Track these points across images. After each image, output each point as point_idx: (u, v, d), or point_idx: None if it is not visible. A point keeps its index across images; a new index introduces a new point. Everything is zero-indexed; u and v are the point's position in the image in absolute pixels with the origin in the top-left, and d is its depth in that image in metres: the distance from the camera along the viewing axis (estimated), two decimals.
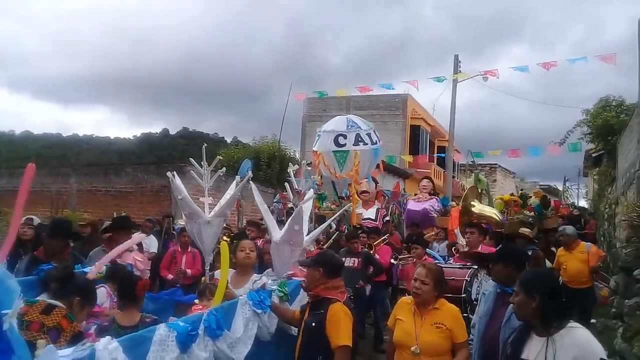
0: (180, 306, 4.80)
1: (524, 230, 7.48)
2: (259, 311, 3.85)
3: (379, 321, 8.47)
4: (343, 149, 9.03)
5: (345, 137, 9.14)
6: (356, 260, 7.60)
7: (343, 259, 7.38)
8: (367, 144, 9.05)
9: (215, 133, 62.65)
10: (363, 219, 10.04)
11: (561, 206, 10.44)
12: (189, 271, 7.81)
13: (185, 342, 3.07)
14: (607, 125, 13.01)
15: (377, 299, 8.35)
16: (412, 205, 10.34)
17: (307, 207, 4.96)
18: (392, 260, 8.10)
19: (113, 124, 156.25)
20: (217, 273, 4.79)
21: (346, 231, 8.76)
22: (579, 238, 8.69)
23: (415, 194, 11.30)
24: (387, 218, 10.79)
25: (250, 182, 5.39)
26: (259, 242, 6.58)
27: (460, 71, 20.09)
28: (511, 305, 3.06)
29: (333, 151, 9.10)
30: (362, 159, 8.85)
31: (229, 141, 43.00)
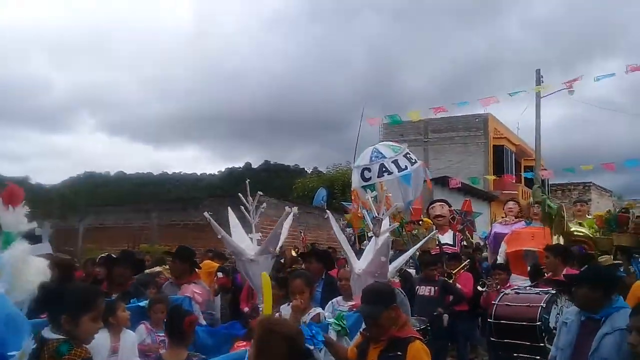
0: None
1: (604, 258, 6.68)
2: (312, 347, 3.52)
3: (463, 353, 8.11)
4: (369, 182, 8.69)
5: (369, 170, 8.84)
6: (432, 288, 7.21)
7: (417, 287, 7.09)
8: (392, 173, 8.62)
9: (296, 164, 63.66)
10: (444, 244, 9.55)
11: None
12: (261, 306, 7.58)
13: None
14: None
15: (460, 330, 7.86)
16: (499, 228, 9.77)
17: (388, 236, 4.71)
18: (479, 287, 7.57)
19: (201, 160, 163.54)
20: (282, 308, 4.58)
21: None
22: None
23: (502, 217, 10.69)
24: (464, 242, 10.21)
25: (328, 211, 5.23)
26: (334, 271, 6.32)
27: (542, 84, 19.13)
28: (630, 345, 2.68)
29: (362, 186, 8.77)
30: (389, 189, 8.48)
31: (309, 172, 43.41)
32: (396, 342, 3.31)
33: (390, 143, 10.19)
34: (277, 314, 4.32)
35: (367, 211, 5.29)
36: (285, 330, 2.48)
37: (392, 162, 8.88)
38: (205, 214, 5.17)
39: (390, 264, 4.75)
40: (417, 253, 8.46)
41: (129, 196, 42.14)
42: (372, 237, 4.90)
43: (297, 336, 2.53)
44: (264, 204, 5.54)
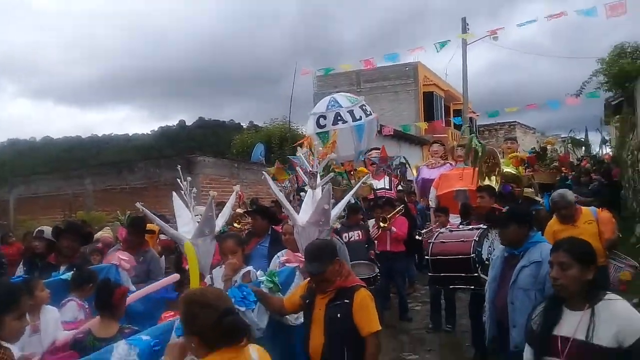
0: (174, 304, 4.57)
1: (527, 190, 7.28)
2: (243, 309, 3.48)
3: (401, 291, 8.52)
4: (324, 130, 8.87)
5: (325, 117, 9.02)
6: (359, 232, 7.52)
7: (345, 234, 7.22)
8: (346, 122, 8.84)
9: (232, 120, 62.64)
10: (377, 190, 9.89)
11: (578, 159, 9.63)
12: None
13: (150, 359, 2.73)
14: (623, 72, 12.64)
15: (397, 269, 8.33)
16: (426, 173, 10.10)
17: (329, 185, 4.75)
18: (417, 237, 7.95)
19: (134, 121, 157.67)
20: (214, 271, 4.44)
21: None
22: (598, 195, 7.80)
23: (428, 159, 11.04)
24: (401, 187, 10.61)
25: (264, 172, 5.26)
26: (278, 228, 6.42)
27: (468, 32, 19.62)
28: (553, 279, 2.72)
29: (316, 133, 8.95)
30: (342, 137, 8.66)
31: (245, 127, 43.00)
32: (343, 291, 3.42)
33: (348, 94, 10.34)
34: (209, 277, 4.29)
35: (299, 168, 5.31)
36: (208, 299, 2.33)
37: (347, 111, 9.07)
38: (138, 204, 4.87)
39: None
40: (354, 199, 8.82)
41: (58, 162, 40.65)
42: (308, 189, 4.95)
43: (223, 302, 2.38)
44: (194, 189, 5.44)
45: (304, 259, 3.76)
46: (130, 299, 4.22)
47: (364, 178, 8.24)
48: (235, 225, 7.78)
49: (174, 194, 5.09)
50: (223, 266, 4.24)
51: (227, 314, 2.27)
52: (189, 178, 5.37)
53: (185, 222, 4.93)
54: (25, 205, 15.95)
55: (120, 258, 5.03)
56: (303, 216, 4.57)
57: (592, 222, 5.74)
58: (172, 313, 3.51)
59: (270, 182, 5.02)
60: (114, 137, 67.10)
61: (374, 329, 3.37)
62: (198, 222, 4.80)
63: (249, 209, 8.80)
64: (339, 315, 3.37)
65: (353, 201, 8.61)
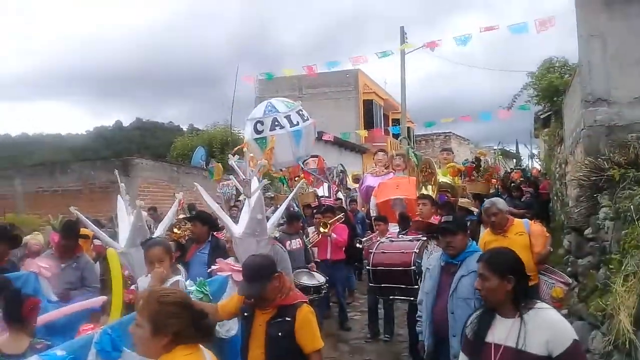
0: (97, 316, 4.38)
1: (463, 200, 7.52)
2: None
3: (341, 300, 8.54)
4: (261, 135, 8.88)
5: (262, 123, 8.97)
6: (300, 240, 7.50)
7: (287, 242, 7.13)
8: (283, 127, 8.90)
9: (171, 122, 61.27)
10: (321, 197, 10.00)
11: (506, 171, 9.94)
12: None
13: None
14: (552, 87, 13.15)
15: (337, 278, 8.34)
16: (370, 180, 10.26)
17: (259, 194, 4.63)
18: (358, 245, 8.05)
19: (68, 120, 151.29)
20: (140, 280, 4.29)
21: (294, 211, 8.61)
22: (531, 207, 7.85)
23: (372, 168, 11.24)
24: (340, 195, 10.77)
25: (196, 183, 5.13)
26: (221, 235, 6.32)
27: (406, 42, 20.11)
28: (477, 290, 2.88)
29: (254, 139, 8.94)
30: (280, 143, 8.68)
31: (185, 129, 42.25)
32: (284, 309, 3.34)
33: (285, 99, 10.29)
34: (134, 286, 4.17)
35: (233, 176, 5.21)
36: (186, 300, 2.38)
37: (284, 117, 9.00)
38: (72, 208, 4.83)
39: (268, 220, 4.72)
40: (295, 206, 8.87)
41: None
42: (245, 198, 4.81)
43: (186, 298, 2.44)
44: (128, 195, 5.32)
45: (241, 277, 3.59)
46: (51, 316, 4.02)
47: (299, 184, 8.26)
48: (176, 231, 7.65)
49: (119, 197, 4.98)
50: (149, 275, 4.04)
51: (204, 315, 2.35)
52: (122, 184, 5.29)
53: (125, 227, 4.84)
54: None
55: (40, 266, 4.77)
56: (240, 226, 4.45)
57: (523, 234, 5.52)
58: (92, 326, 3.36)
59: (203, 192, 4.88)
60: (47, 136, 64.32)
61: (317, 346, 3.34)
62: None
63: (188, 215, 8.69)
64: (280, 333, 3.29)
65: (294, 209, 8.70)
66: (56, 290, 4.86)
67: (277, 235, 5.39)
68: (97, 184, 13.37)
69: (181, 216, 8.12)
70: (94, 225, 5.13)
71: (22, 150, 52.35)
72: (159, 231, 5.16)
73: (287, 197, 6.26)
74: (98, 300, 4.43)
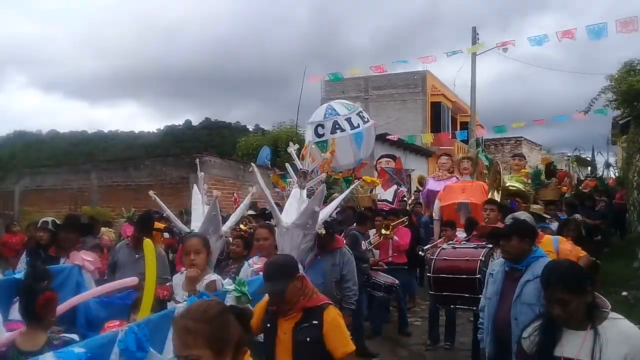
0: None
1: (535, 207, 7.26)
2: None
3: (402, 304, 8.42)
4: (322, 139, 8.87)
5: (323, 126, 8.99)
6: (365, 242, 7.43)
7: (363, 241, 7.20)
8: (344, 130, 8.84)
9: (237, 122, 62.50)
10: (379, 201, 9.89)
11: (577, 178, 9.51)
12: None
13: None
14: (632, 90, 12.49)
15: (399, 282, 8.06)
16: (432, 185, 10.06)
17: (323, 187, 4.59)
18: (420, 253, 7.92)
19: (140, 119, 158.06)
20: (175, 277, 4.17)
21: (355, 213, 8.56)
22: (605, 217, 7.29)
23: (436, 172, 11.06)
24: (405, 198, 10.60)
25: (253, 164, 5.11)
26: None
27: (478, 43, 19.63)
28: (557, 315, 2.61)
29: (315, 142, 8.95)
30: (341, 146, 8.64)
31: (251, 129, 43.02)
32: (309, 311, 3.14)
33: (345, 101, 10.31)
34: (168, 284, 4.04)
35: (289, 164, 5.10)
36: (214, 306, 2.04)
37: (345, 119, 9.03)
38: (151, 193, 5.00)
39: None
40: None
41: (63, 156, 40.77)
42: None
43: (221, 302, 2.21)
44: (205, 185, 5.43)
45: (262, 278, 3.38)
46: (79, 298, 3.96)
47: (352, 186, 8.15)
48: (242, 226, 7.80)
49: (195, 187, 5.10)
50: (184, 271, 3.95)
51: (250, 315, 2.17)
52: (201, 174, 5.46)
53: (198, 217, 4.95)
54: (30, 197, 16.06)
55: (84, 259, 4.78)
56: (288, 216, 4.31)
57: (551, 254, 5.08)
58: (117, 322, 3.20)
59: (258, 174, 4.78)
60: (120, 133, 67.09)
61: (348, 350, 3.15)
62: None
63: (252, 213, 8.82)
64: (308, 339, 3.09)
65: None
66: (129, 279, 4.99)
67: (323, 231, 5.14)
68: (168, 180, 13.82)
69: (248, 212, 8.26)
70: (169, 211, 5.25)
71: (97, 146, 54.93)
72: (227, 226, 5.24)
73: (339, 197, 6.16)
74: (131, 280, 4.22)
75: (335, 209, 5.52)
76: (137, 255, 5.47)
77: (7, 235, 9.73)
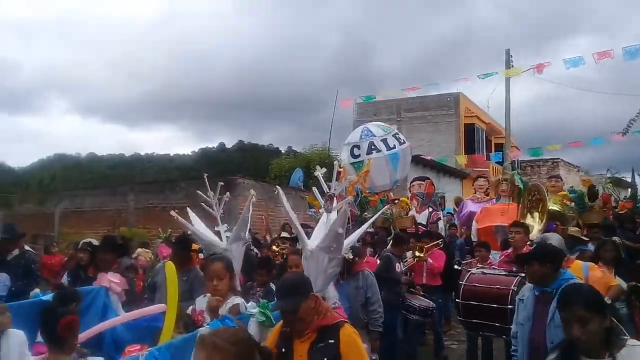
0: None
1: (573, 229, 7.09)
2: None
3: (437, 327, 8.33)
4: (358, 159, 8.92)
5: (359, 147, 9.07)
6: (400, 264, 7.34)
7: (397, 264, 7.12)
8: (380, 151, 8.86)
9: (270, 144, 63.25)
10: (419, 223, 9.83)
11: (615, 200, 9.17)
12: None
13: None
14: None
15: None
16: (472, 206, 10.00)
17: (346, 208, 4.43)
18: (456, 266, 7.85)
19: (176, 142, 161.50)
20: (197, 300, 4.09)
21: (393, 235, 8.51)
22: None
23: (473, 194, 10.97)
24: (439, 221, 10.51)
25: (278, 187, 5.08)
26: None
27: (512, 66, 19.49)
28: (576, 336, 2.53)
29: (351, 163, 9.00)
30: (376, 166, 8.65)
31: (283, 151, 43.34)
32: (325, 330, 3.01)
33: (380, 123, 10.40)
34: (190, 308, 3.97)
35: (316, 188, 4.99)
36: (240, 333, 2.11)
37: (381, 140, 9.10)
38: (172, 212, 4.94)
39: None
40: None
41: (102, 178, 41.79)
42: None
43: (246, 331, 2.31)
44: (227, 193, 5.41)
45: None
46: (106, 324, 3.96)
47: (381, 211, 8.08)
48: (275, 248, 7.82)
49: (188, 210, 5.07)
50: (208, 295, 3.87)
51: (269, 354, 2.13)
52: (227, 193, 5.45)
53: (206, 234, 4.87)
54: (69, 219, 16.44)
55: (111, 280, 4.77)
56: (314, 240, 4.22)
57: (580, 280, 4.78)
58: (138, 347, 3.19)
59: (283, 197, 4.70)
60: (156, 156, 68.47)
61: None
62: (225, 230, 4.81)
63: (280, 235, 8.84)
64: (325, 359, 2.95)
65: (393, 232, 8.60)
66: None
67: (350, 256, 5.08)
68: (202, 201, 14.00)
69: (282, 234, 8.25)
70: (192, 226, 5.11)
71: (134, 169, 56.12)
72: (235, 237, 5.02)
73: (370, 220, 6.08)
74: (158, 307, 4.21)
75: (364, 231, 5.42)
76: None
77: (46, 256, 9.98)
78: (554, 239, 5.10)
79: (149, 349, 2.84)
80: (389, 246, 7.59)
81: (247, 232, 4.96)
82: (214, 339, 1.96)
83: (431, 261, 8.08)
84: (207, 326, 3.21)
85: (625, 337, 2.54)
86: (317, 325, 3.01)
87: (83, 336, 3.46)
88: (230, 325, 2.83)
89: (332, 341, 2.95)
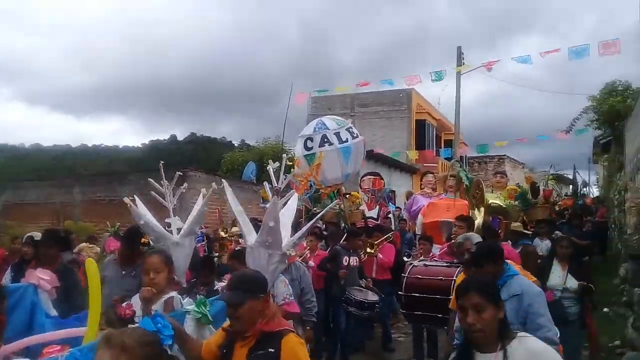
0: None
1: (515, 224, 7.29)
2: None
3: (385, 320, 8.40)
4: (310, 152, 8.97)
5: (312, 140, 9.09)
6: (357, 258, 7.41)
7: (345, 257, 7.16)
8: (332, 144, 8.94)
9: (223, 137, 62.59)
10: (369, 218, 9.91)
11: (557, 196, 9.44)
12: None
13: None
14: (613, 111, 12.80)
15: (381, 298, 8.18)
16: (422, 201, 9.96)
17: (291, 207, 4.40)
18: (405, 258, 7.94)
19: (125, 133, 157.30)
20: (133, 298, 3.78)
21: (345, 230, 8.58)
22: (593, 237, 6.78)
23: (421, 190, 11.13)
24: (390, 215, 10.65)
25: (223, 180, 4.96)
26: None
27: (463, 63, 19.90)
28: (467, 325, 2.48)
29: (304, 155, 9.03)
30: (327, 159, 8.73)
31: (236, 145, 42.99)
32: (266, 337, 2.79)
33: (336, 117, 10.40)
34: (126, 303, 3.66)
35: (266, 182, 5.10)
36: (157, 342, 2.14)
37: (334, 133, 9.09)
38: (126, 199, 4.62)
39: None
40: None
41: (47, 170, 40.42)
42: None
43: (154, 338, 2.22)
44: (185, 184, 5.23)
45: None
46: (33, 339, 3.41)
47: (331, 204, 8.16)
48: (222, 234, 7.69)
49: (136, 198, 4.70)
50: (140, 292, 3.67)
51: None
52: (185, 184, 5.33)
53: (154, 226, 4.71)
54: (12, 212, 15.84)
55: (40, 277, 4.46)
56: (255, 236, 4.10)
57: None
58: (58, 347, 2.97)
59: (228, 189, 4.47)
60: (104, 148, 66.82)
61: None
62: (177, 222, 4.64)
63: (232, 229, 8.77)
64: None
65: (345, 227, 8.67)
66: (115, 295, 4.83)
67: (293, 253, 4.95)
68: (152, 195, 13.75)
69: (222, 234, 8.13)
70: (145, 217, 4.69)
71: (81, 160, 54.55)
72: (188, 231, 4.76)
73: (340, 214, 6.12)
74: (82, 330, 3.67)
75: (309, 227, 5.38)
76: (123, 272, 5.36)
77: None
78: (476, 237, 5.12)
79: (70, 349, 2.67)
80: (342, 240, 7.60)
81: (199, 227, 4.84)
82: (123, 339, 1.90)
83: (381, 256, 8.18)
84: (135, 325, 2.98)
85: (516, 330, 2.56)
86: (258, 330, 2.80)
87: (10, 348, 3.08)
88: (158, 322, 2.63)
89: (272, 350, 2.74)
